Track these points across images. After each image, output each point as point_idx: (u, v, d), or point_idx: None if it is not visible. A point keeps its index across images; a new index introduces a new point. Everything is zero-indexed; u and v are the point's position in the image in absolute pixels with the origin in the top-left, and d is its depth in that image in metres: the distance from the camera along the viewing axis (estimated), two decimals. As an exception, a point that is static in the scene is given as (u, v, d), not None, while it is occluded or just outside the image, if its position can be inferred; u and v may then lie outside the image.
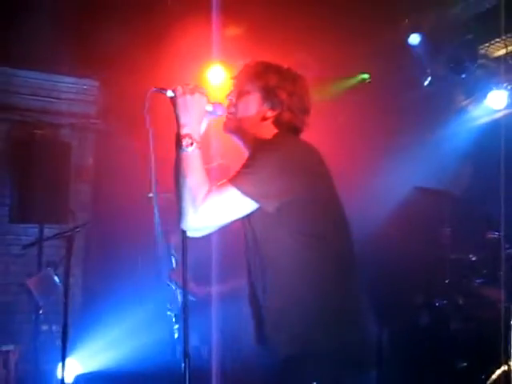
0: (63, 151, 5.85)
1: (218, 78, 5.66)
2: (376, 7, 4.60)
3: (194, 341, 3.76)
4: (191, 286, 3.86)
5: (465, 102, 5.52)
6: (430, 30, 4.87)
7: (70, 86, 6.21)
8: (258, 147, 2.16)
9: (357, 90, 5.64)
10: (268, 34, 4.99)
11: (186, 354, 2.18)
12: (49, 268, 5.30)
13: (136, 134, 6.11)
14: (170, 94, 2.12)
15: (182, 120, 2.07)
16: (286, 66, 2.32)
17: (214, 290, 3.78)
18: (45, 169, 5.61)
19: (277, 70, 2.28)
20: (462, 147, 5.36)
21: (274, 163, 2.05)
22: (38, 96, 6.08)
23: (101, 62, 5.85)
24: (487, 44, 5.02)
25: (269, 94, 2.22)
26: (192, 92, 2.11)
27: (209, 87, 5.52)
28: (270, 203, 2.04)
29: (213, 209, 2.02)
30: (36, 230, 5.84)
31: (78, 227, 4.10)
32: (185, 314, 2.02)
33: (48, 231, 5.75)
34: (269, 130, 2.23)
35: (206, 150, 2.20)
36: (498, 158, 4.76)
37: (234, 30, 5.33)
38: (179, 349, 4.25)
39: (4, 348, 5.26)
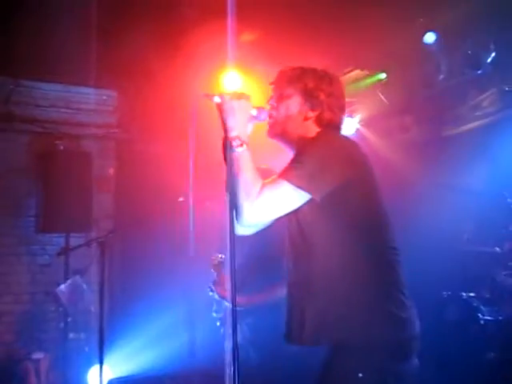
0: (85, 161, 5.92)
1: (233, 83, 5.72)
2: (391, 7, 4.64)
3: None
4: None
5: (480, 98, 5.54)
6: (444, 28, 4.90)
7: (90, 96, 6.29)
8: (304, 145, 2.27)
9: (374, 88, 5.69)
10: (283, 39, 5.03)
11: (234, 358, 2.19)
12: (76, 276, 5.37)
13: (155, 142, 6.23)
14: (217, 99, 2.22)
15: (230, 124, 2.17)
16: (321, 69, 2.44)
17: (255, 298, 3.83)
18: (67, 179, 5.68)
19: (313, 72, 2.41)
20: (479, 142, 5.39)
21: (321, 155, 2.17)
22: (58, 107, 6.18)
23: (119, 73, 5.92)
24: (503, 39, 5.04)
25: (308, 96, 2.36)
26: (238, 97, 2.21)
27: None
28: (319, 192, 2.14)
29: (268, 203, 2.13)
30: (60, 239, 5.92)
31: (110, 232, 4.16)
32: (233, 319, 2.06)
33: (72, 240, 5.83)
34: (311, 130, 2.36)
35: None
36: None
37: (249, 36, 5.38)
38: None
39: (35, 356, 5.33)
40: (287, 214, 2.22)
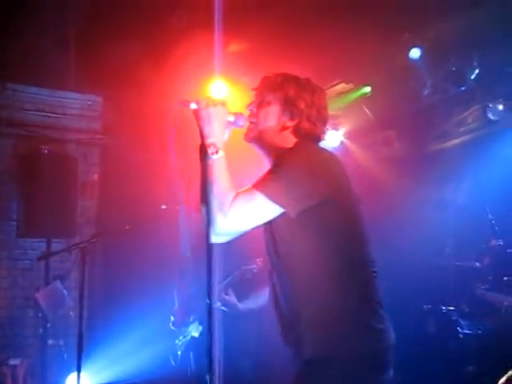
0: (69, 166, 5.87)
1: (220, 92, 5.73)
2: (377, 22, 4.69)
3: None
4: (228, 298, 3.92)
5: (464, 114, 5.62)
6: (429, 44, 4.97)
7: (75, 101, 6.27)
8: (280, 155, 2.24)
9: (359, 102, 5.74)
10: (269, 50, 5.07)
11: (210, 365, 2.19)
12: (57, 281, 5.33)
13: (140, 149, 6.23)
14: (193, 106, 2.21)
15: (206, 130, 2.16)
16: (304, 78, 2.40)
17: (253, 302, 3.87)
18: (51, 184, 5.62)
19: (295, 81, 2.37)
20: (462, 157, 5.45)
21: (298, 169, 2.15)
22: (43, 112, 6.13)
23: (105, 78, 5.91)
24: (486, 57, 5.12)
25: (288, 105, 2.32)
26: (214, 104, 2.20)
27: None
28: (294, 208, 2.12)
29: (240, 213, 2.11)
30: (42, 244, 5.86)
31: (92, 238, 4.14)
32: (210, 322, 2.07)
33: (54, 245, 5.78)
34: (288, 139, 2.32)
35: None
36: (497, 167, 4.88)
37: (236, 46, 5.41)
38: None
39: (12, 362, 5.26)
40: (262, 225, 2.21)
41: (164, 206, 4.10)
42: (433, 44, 4.95)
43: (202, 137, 2.17)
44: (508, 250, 4.14)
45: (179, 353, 4.50)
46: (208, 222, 2.13)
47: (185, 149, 2.41)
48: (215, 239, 2.21)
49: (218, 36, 4.74)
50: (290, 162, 2.18)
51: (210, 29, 4.62)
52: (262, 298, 4.14)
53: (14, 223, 5.80)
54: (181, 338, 4.57)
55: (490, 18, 4.60)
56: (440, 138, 5.64)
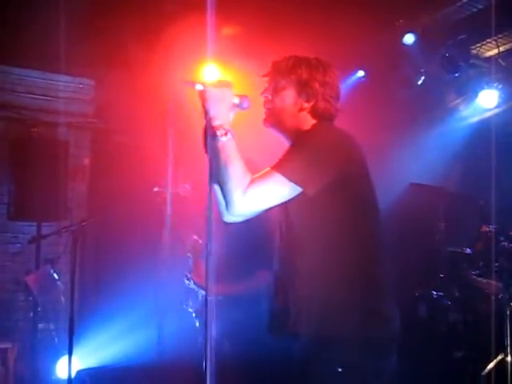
0: (60, 149, 5.83)
1: (212, 76, 5.70)
2: (372, 7, 4.68)
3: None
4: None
5: (457, 101, 5.63)
6: (424, 30, 4.97)
7: (67, 84, 6.21)
8: (298, 136, 2.27)
9: (352, 88, 5.72)
10: (262, 34, 5.04)
11: (206, 351, 2.18)
12: (48, 265, 5.31)
13: (132, 133, 6.19)
14: (199, 87, 2.17)
15: (212, 112, 2.13)
16: (313, 57, 2.40)
17: (233, 288, 3.83)
18: (42, 167, 5.59)
19: (307, 62, 2.37)
20: (454, 144, 5.47)
21: (314, 149, 2.17)
22: (34, 94, 6.09)
23: (97, 61, 5.86)
24: (479, 44, 5.13)
25: (303, 87, 2.33)
26: (220, 85, 2.18)
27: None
28: (312, 188, 2.14)
29: (260, 193, 2.12)
30: (33, 227, 5.84)
31: (83, 221, 4.12)
32: (206, 311, 2.05)
33: (45, 229, 5.76)
34: (307, 120, 2.35)
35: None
36: (489, 153, 4.89)
37: (229, 30, 5.37)
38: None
39: (2, 346, 5.25)
40: (278, 205, 2.22)
41: (156, 189, 4.08)
42: (427, 30, 4.94)
43: (208, 119, 2.14)
44: (499, 237, 4.16)
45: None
46: (225, 203, 2.14)
47: (181, 131, 2.38)
48: (230, 219, 2.24)
49: (211, 18, 4.70)
50: (307, 142, 2.21)
51: (204, 11, 4.58)
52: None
53: (5, 206, 5.78)
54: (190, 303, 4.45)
55: (483, 4, 4.61)
56: (433, 124, 5.64)
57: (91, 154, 6.37)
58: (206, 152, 2.13)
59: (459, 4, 4.82)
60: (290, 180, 2.12)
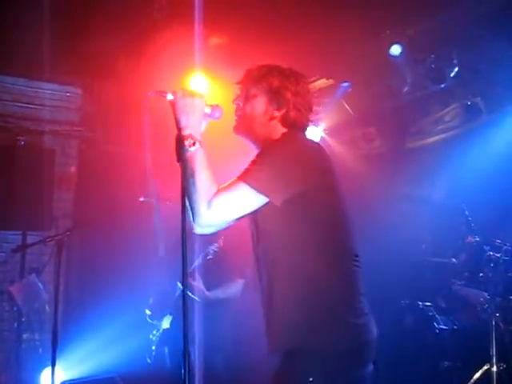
0: (46, 158, 5.81)
1: (199, 86, 5.70)
2: (358, 18, 4.70)
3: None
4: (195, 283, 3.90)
5: (442, 112, 5.66)
6: (410, 41, 4.99)
7: (53, 92, 6.19)
8: (266, 145, 2.26)
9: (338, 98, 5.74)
10: (249, 44, 5.06)
11: (185, 355, 2.17)
12: (32, 274, 5.27)
13: (119, 141, 6.17)
14: (169, 96, 2.17)
15: (183, 122, 2.13)
16: (286, 67, 2.41)
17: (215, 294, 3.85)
18: (28, 175, 5.57)
19: (279, 71, 2.37)
20: (440, 155, 5.49)
21: (281, 158, 2.15)
22: (20, 102, 6.06)
23: (84, 70, 5.87)
24: (464, 55, 5.16)
25: (274, 95, 2.33)
26: (191, 95, 2.17)
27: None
28: (278, 197, 2.12)
29: (225, 204, 2.10)
30: (17, 236, 5.79)
31: (68, 231, 4.09)
32: (184, 313, 2.04)
33: (30, 238, 5.71)
34: (277, 129, 2.34)
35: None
36: (475, 164, 4.93)
37: (216, 40, 5.39)
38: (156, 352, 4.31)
39: (-14, 356, 5.20)
40: (247, 216, 2.21)
41: (142, 199, 4.07)
42: (413, 41, 4.97)
43: (179, 128, 2.14)
44: (484, 247, 4.17)
45: (153, 348, 4.47)
46: (192, 214, 2.12)
47: (160, 140, 2.36)
48: (200, 230, 2.22)
49: (198, 28, 4.72)
50: (274, 152, 2.19)
51: (191, 21, 4.60)
52: (232, 288, 4.12)
53: (-11, 215, 5.73)
54: (155, 332, 4.54)
55: (469, 16, 4.64)
56: (418, 135, 5.67)
57: (77, 163, 6.33)
58: (178, 162, 2.12)
59: (445, 15, 4.85)
60: (256, 190, 2.11)
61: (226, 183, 2.15)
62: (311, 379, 2.06)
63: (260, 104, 2.34)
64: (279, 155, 2.17)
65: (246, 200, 2.12)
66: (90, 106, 6.24)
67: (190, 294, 3.95)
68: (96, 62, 5.55)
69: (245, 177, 2.13)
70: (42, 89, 6.13)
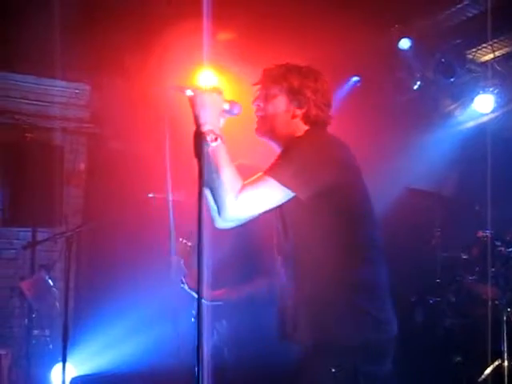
0: (55, 155, 5.84)
1: (208, 82, 5.69)
2: (367, 12, 4.69)
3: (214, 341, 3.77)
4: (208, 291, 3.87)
5: (452, 106, 5.63)
6: (419, 35, 4.97)
7: (62, 89, 6.18)
8: (291, 142, 2.28)
9: (348, 93, 5.72)
10: (258, 40, 5.04)
11: (198, 355, 2.15)
12: (42, 271, 5.28)
13: (128, 138, 6.18)
14: (189, 92, 2.16)
15: (202, 118, 2.13)
16: (304, 66, 2.42)
17: (232, 293, 3.82)
18: (37, 172, 5.59)
19: (298, 70, 2.39)
20: (450, 149, 5.47)
21: (308, 154, 2.18)
22: (29, 100, 6.06)
23: (93, 67, 5.86)
24: (475, 49, 5.14)
25: (295, 95, 2.35)
26: (210, 91, 2.18)
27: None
28: (304, 191, 2.15)
29: (252, 198, 2.13)
30: (27, 233, 5.82)
31: (79, 227, 4.11)
32: (199, 316, 2.03)
33: (40, 235, 5.74)
34: (299, 127, 2.36)
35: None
36: (485, 158, 4.89)
37: (225, 35, 5.38)
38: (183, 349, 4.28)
39: (-3, 352, 5.22)
40: (272, 210, 2.22)
41: (151, 195, 4.07)
42: (422, 35, 4.95)
43: (198, 124, 2.13)
44: (495, 242, 4.15)
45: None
46: (218, 208, 2.14)
47: (175, 136, 2.35)
48: (222, 225, 2.25)
49: (207, 24, 4.71)
50: (299, 147, 2.22)
51: (200, 16, 4.59)
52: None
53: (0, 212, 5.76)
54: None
55: (479, 10, 4.61)
56: (429, 129, 5.64)
57: (87, 160, 6.34)
58: (197, 158, 2.10)
59: (454, 9, 4.83)
60: (282, 184, 2.13)
61: (251, 178, 2.17)
62: (333, 370, 2.08)
63: (281, 103, 2.36)
64: (304, 150, 2.19)
65: (273, 194, 2.15)
66: (99, 103, 6.23)
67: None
68: (105, 58, 5.55)
69: (271, 171, 2.15)
70: (50, 86, 6.14)
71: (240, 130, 2.50)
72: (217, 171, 2.10)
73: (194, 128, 2.15)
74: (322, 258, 2.16)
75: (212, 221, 2.26)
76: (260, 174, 2.18)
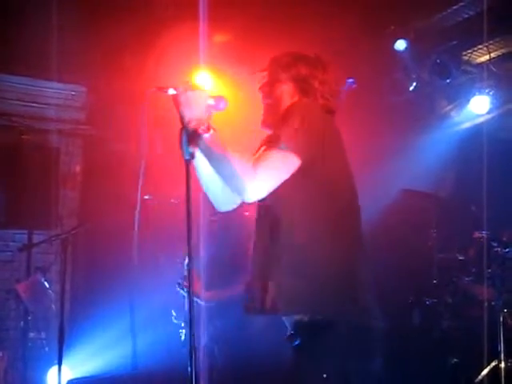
0: (51, 157, 5.84)
1: (205, 83, 5.69)
2: (364, 14, 4.69)
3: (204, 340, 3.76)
4: (202, 291, 3.87)
5: (448, 107, 5.63)
6: (415, 36, 4.98)
7: (58, 91, 6.18)
8: (287, 110, 2.26)
9: (343, 94, 5.71)
10: (255, 41, 5.04)
11: (192, 356, 2.15)
12: (38, 273, 5.27)
13: (124, 140, 6.17)
14: (171, 91, 2.11)
15: (188, 115, 2.08)
16: (313, 55, 2.40)
17: (223, 293, 3.81)
18: (33, 174, 5.59)
19: (306, 59, 2.37)
20: (446, 150, 5.47)
21: (306, 119, 2.15)
22: (25, 101, 6.06)
23: (89, 68, 5.85)
24: (470, 50, 5.14)
25: (302, 83, 2.32)
26: (193, 88, 2.13)
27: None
28: (308, 153, 2.12)
29: (267, 173, 2.09)
30: (23, 235, 5.81)
31: (74, 229, 4.10)
32: (191, 316, 2.02)
33: (35, 237, 5.73)
34: None
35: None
36: (481, 159, 4.89)
37: (221, 37, 5.38)
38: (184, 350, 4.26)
39: (-8, 354, 5.20)
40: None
41: (147, 197, 4.06)
42: (418, 36, 4.96)
43: (184, 123, 2.08)
44: (492, 243, 4.15)
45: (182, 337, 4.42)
46: (237, 192, 2.14)
47: (164, 138, 2.33)
48: (224, 208, 2.32)
49: (203, 26, 4.71)
50: (296, 116, 2.17)
51: (196, 18, 4.59)
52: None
53: (-5, 214, 5.75)
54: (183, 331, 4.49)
55: (475, 11, 4.62)
56: (424, 130, 5.64)
57: (83, 161, 6.35)
58: (183, 157, 2.07)
59: (450, 10, 4.83)
60: (291, 151, 2.09)
61: (257, 154, 2.15)
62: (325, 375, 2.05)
63: (287, 91, 2.33)
64: (301, 118, 2.16)
65: (284, 164, 2.11)
66: (95, 105, 6.23)
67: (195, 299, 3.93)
68: (101, 60, 5.54)
69: (280, 143, 2.11)
70: (46, 87, 6.13)
71: (239, 131, 2.48)
72: (223, 159, 2.06)
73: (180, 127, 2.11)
74: (310, 233, 2.15)
75: (216, 206, 2.28)
76: (264, 148, 2.16)
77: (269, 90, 2.36)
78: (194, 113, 2.08)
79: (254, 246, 2.32)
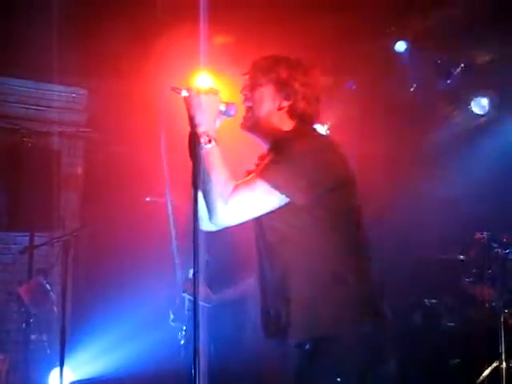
0: (52, 159, 5.83)
1: (205, 84, 5.70)
2: (364, 15, 4.70)
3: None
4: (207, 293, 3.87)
5: (449, 108, 5.64)
6: (415, 38, 4.99)
7: (60, 94, 6.20)
8: (280, 140, 2.23)
9: (344, 96, 5.72)
10: (255, 43, 5.04)
11: (195, 357, 2.14)
12: (40, 275, 5.27)
13: (125, 142, 6.19)
14: (184, 93, 2.13)
15: (198, 119, 2.09)
16: (295, 57, 2.37)
17: (226, 294, 3.82)
18: (34, 176, 5.58)
19: (287, 61, 2.33)
20: (446, 151, 5.47)
21: (303, 156, 2.12)
22: (27, 104, 6.08)
23: (89, 71, 5.87)
24: (471, 52, 5.15)
25: (282, 85, 2.28)
26: (206, 92, 2.14)
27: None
28: (301, 198, 2.09)
29: (243, 203, 2.07)
30: (25, 238, 5.80)
31: (76, 231, 4.11)
32: (195, 319, 2.02)
33: (37, 239, 5.71)
34: (285, 121, 2.30)
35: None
36: (483, 160, 4.90)
37: (221, 39, 5.39)
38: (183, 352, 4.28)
39: (-6, 357, 5.21)
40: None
41: (148, 199, 4.07)
42: (418, 37, 4.96)
43: (193, 126, 2.09)
44: (492, 244, 4.15)
45: (182, 342, 4.43)
46: (208, 212, 2.10)
47: (171, 138, 2.33)
48: (208, 227, 2.22)
49: (203, 27, 4.72)
50: (293, 150, 2.14)
51: (196, 20, 4.60)
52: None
53: (-4, 216, 5.76)
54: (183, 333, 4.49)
55: (476, 12, 4.62)
56: (425, 131, 5.65)
57: (84, 164, 6.35)
58: (192, 159, 2.08)
59: (450, 12, 4.84)
60: (277, 189, 2.06)
61: (244, 180, 2.12)
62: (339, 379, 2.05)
63: (268, 93, 2.30)
64: (299, 152, 2.13)
65: (265, 198, 2.08)
66: (96, 107, 6.24)
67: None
68: (101, 63, 5.55)
69: (264, 174, 2.08)
70: (48, 90, 6.15)
71: (239, 133, 2.47)
72: (208, 174, 2.05)
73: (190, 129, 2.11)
74: (318, 259, 2.14)
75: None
76: (252, 175, 2.12)
77: (250, 93, 2.33)
78: (203, 117, 2.10)
79: (260, 273, 2.29)
